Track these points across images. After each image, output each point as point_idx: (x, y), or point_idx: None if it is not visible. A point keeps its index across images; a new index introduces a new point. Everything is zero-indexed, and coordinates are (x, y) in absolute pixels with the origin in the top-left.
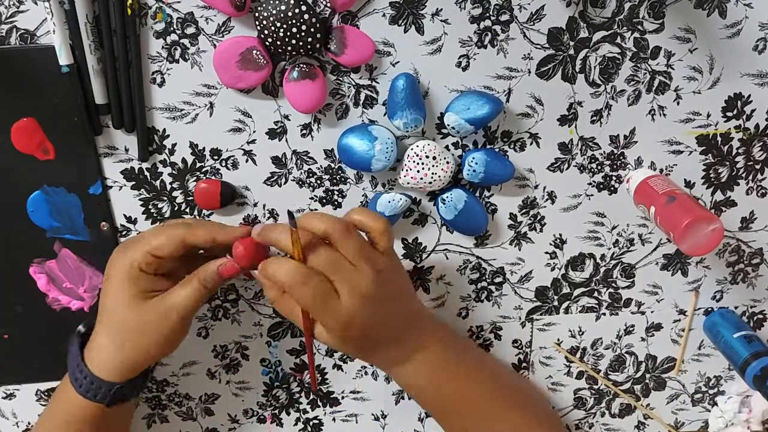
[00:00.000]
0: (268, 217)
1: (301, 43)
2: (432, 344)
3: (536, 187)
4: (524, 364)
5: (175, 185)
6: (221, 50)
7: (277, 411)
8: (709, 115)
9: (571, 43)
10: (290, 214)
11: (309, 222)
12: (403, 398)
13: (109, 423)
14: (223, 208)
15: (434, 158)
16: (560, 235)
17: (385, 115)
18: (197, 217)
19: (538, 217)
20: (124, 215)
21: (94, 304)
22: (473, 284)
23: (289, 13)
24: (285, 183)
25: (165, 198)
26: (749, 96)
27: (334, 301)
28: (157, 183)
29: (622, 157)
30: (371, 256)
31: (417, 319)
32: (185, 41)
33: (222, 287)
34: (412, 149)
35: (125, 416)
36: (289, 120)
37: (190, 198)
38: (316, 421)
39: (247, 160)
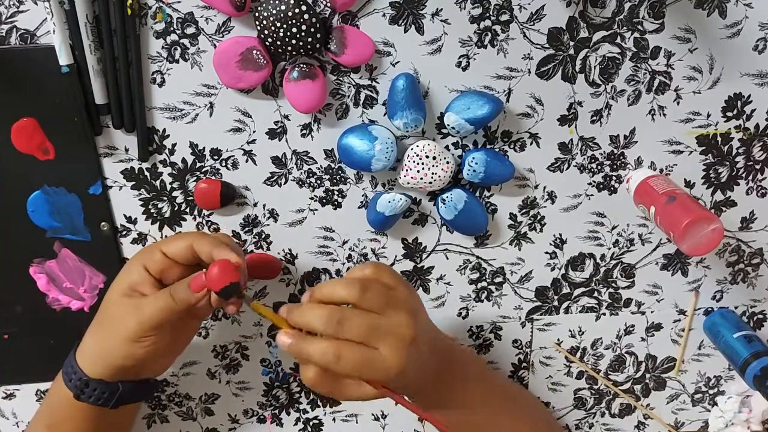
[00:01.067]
0: (268, 217)
1: (301, 43)
2: (463, 372)
3: (536, 187)
4: (524, 364)
5: (175, 185)
6: (221, 50)
7: (277, 411)
8: (709, 115)
9: (571, 43)
10: (230, 292)
11: (327, 293)
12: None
13: (93, 422)
14: (223, 208)
15: (434, 158)
16: (560, 235)
17: (385, 115)
18: (197, 217)
19: (538, 217)
20: (124, 215)
21: (94, 304)
22: (473, 284)
23: (289, 13)
24: (285, 183)
25: (165, 198)
26: (749, 96)
27: (377, 359)
28: (157, 183)
29: (622, 157)
30: (394, 300)
31: (443, 345)
32: (185, 41)
33: None
34: (412, 149)
35: (112, 424)
36: (289, 120)
37: (190, 198)
38: (316, 421)
39: (247, 160)
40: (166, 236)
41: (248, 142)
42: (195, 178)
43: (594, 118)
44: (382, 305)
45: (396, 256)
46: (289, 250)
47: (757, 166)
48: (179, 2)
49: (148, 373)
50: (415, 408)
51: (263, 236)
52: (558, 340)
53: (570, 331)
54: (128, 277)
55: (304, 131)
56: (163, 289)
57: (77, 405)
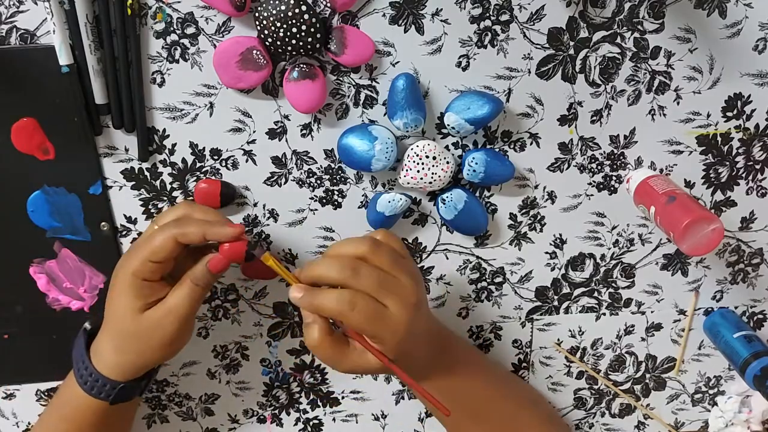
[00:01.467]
0: (268, 217)
1: (301, 43)
2: (461, 356)
3: (536, 187)
4: (524, 364)
5: (175, 185)
6: (221, 50)
7: (277, 411)
8: (709, 115)
9: (571, 43)
10: (251, 245)
11: (340, 250)
12: (403, 398)
13: (112, 420)
14: (223, 208)
15: (434, 158)
16: (560, 235)
17: (385, 115)
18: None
19: (538, 217)
20: (124, 215)
21: (94, 304)
22: (473, 284)
23: (289, 13)
24: (285, 183)
25: (165, 198)
26: (749, 96)
27: (386, 315)
28: (157, 183)
29: (622, 157)
30: (403, 264)
31: (442, 327)
32: (185, 41)
33: (222, 287)
34: (412, 149)
35: (127, 414)
36: (289, 120)
37: (190, 198)
38: (316, 421)
39: (247, 160)
40: (138, 234)
41: (248, 142)
42: (195, 178)
43: (594, 118)
44: (392, 265)
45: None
46: (289, 250)
47: (757, 166)
48: (179, 2)
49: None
50: (415, 384)
51: (263, 236)
52: (558, 340)
53: (570, 331)
54: (136, 294)
55: (304, 131)
56: (181, 284)
57: (100, 408)
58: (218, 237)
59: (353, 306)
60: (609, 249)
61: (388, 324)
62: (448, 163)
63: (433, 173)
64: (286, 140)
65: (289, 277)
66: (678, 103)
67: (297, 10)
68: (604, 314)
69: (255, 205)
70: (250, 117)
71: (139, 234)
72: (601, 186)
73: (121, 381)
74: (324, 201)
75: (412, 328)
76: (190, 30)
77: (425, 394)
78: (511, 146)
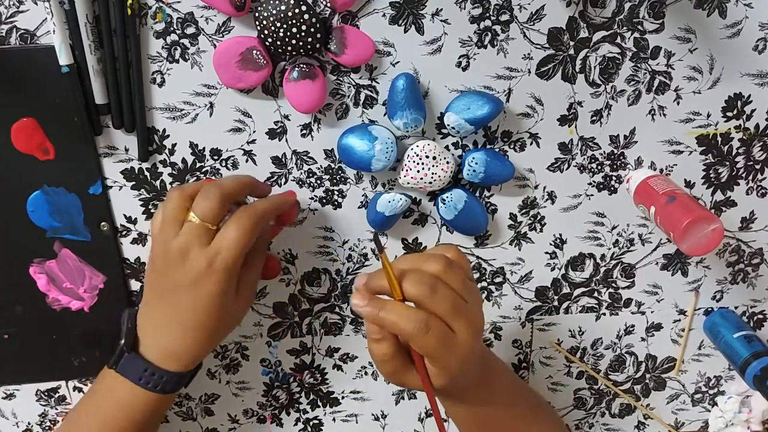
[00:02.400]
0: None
1: (301, 43)
2: (497, 382)
3: (536, 187)
4: (524, 364)
5: (175, 185)
6: (221, 50)
7: (277, 411)
8: (709, 115)
9: (571, 43)
10: (376, 238)
11: (415, 264)
12: (403, 398)
13: (165, 408)
14: None
15: (434, 158)
16: (560, 235)
17: (385, 115)
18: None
19: (538, 217)
20: (124, 215)
21: (94, 304)
22: None
23: (289, 13)
24: (285, 183)
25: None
26: (749, 96)
27: (455, 341)
28: (157, 183)
29: (622, 157)
30: (472, 288)
31: (485, 350)
32: (185, 41)
33: None
34: (412, 149)
35: (171, 400)
36: (289, 120)
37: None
38: (316, 421)
39: (247, 160)
40: (139, 234)
41: (248, 142)
42: (195, 178)
43: (594, 118)
44: (463, 288)
45: (396, 257)
46: (289, 250)
47: (757, 166)
48: (179, 2)
49: None
50: (439, 421)
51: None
52: (558, 340)
53: (570, 331)
54: (232, 281)
55: (304, 131)
56: (232, 221)
57: (158, 401)
58: (284, 207)
59: (428, 329)
60: (609, 249)
61: (455, 350)
62: (448, 163)
63: (433, 173)
64: (286, 140)
65: (393, 283)
66: (678, 103)
67: (297, 10)
68: (604, 314)
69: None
70: (250, 117)
71: (140, 234)
72: (601, 186)
73: (187, 369)
74: (324, 201)
75: (472, 355)
76: (190, 30)
77: (440, 424)
78: (511, 146)
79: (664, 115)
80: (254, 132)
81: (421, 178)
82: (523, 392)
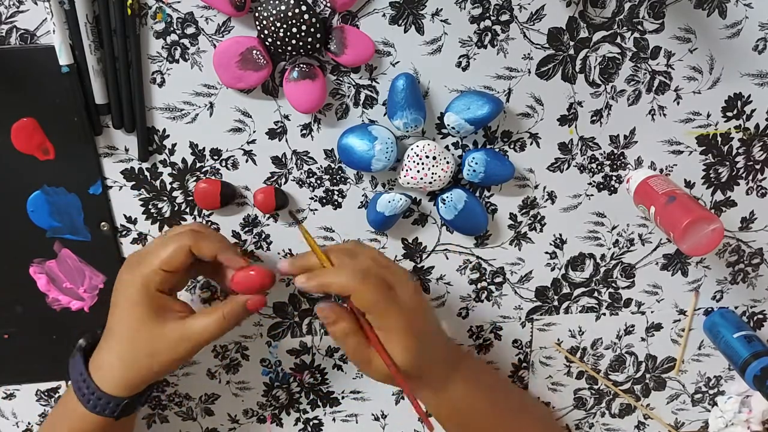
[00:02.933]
0: (269, 217)
1: (301, 43)
2: (464, 360)
3: (536, 187)
4: (524, 364)
5: (175, 185)
6: (221, 50)
7: (277, 411)
8: (709, 115)
9: (571, 43)
10: (291, 214)
11: (332, 248)
12: (402, 398)
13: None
14: (223, 208)
15: (434, 158)
16: (560, 235)
17: (385, 115)
18: (197, 217)
19: (538, 217)
20: (124, 215)
21: (94, 304)
22: (473, 284)
23: (289, 13)
24: (285, 183)
25: (165, 198)
26: (749, 96)
27: (393, 294)
28: (157, 183)
29: (622, 157)
30: (393, 261)
31: (446, 337)
32: (185, 41)
33: (222, 288)
34: (412, 149)
35: (129, 424)
36: (289, 120)
37: (190, 198)
38: (316, 421)
39: (247, 160)
40: (139, 234)
41: (248, 142)
42: (195, 178)
43: (594, 118)
44: (387, 262)
45: (396, 256)
46: (289, 250)
47: (757, 166)
48: (179, 2)
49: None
50: (412, 397)
51: (263, 236)
52: (558, 340)
53: (570, 331)
54: (150, 304)
55: (304, 131)
56: (211, 312)
57: (104, 423)
58: (231, 263)
59: (365, 276)
60: (609, 249)
61: (395, 301)
62: (448, 163)
63: (433, 173)
64: (286, 140)
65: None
66: (678, 103)
67: (297, 10)
68: (604, 314)
69: (255, 205)
70: (250, 117)
71: (140, 234)
72: (601, 186)
73: (126, 397)
74: (324, 201)
75: (420, 315)
76: (190, 30)
77: (419, 411)
78: (511, 146)
79: (664, 115)
80: (254, 132)
81: (421, 178)
82: (505, 390)
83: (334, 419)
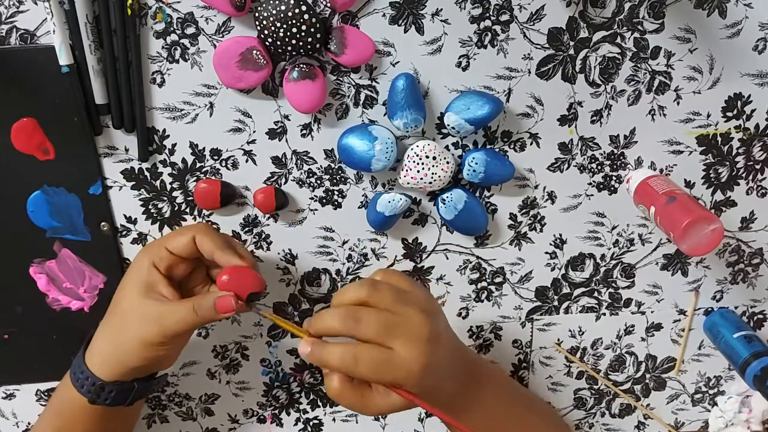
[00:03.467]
0: (269, 217)
1: (301, 43)
2: (488, 383)
3: (536, 187)
4: (524, 364)
5: (175, 185)
6: (221, 50)
7: (277, 411)
8: (709, 115)
9: (571, 43)
10: (250, 298)
11: (342, 298)
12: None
13: (102, 423)
14: (223, 208)
15: (434, 158)
16: (560, 235)
17: (385, 115)
18: (197, 218)
19: (538, 217)
20: (124, 215)
21: (94, 304)
22: (473, 284)
23: (289, 13)
24: (285, 183)
25: (165, 198)
26: (749, 96)
27: (394, 359)
28: (157, 183)
29: (622, 157)
30: (409, 299)
31: (468, 353)
32: (185, 41)
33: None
34: (412, 149)
35: (120, 421)
36: (289, 120)
37: (190, 198)
38: (316, 421)
39: (247, 160)
40: (139, 234)
41: (248, 142)
42: (195, 178)
43: (594, 118)
44: (394, 303)
45: (396, 256)
46: (289, 250)
47: (757, 166)
48: (179, 2)
49: (160, 369)
50: (441, 414)
51: (263, 236)
52: (558, 340)
53: (570, 331)
54: (141, 276)
55: (304, 131)
56: (186, 302)
57: (89, 407)
58: (224, 261)
59: (356, 360)
60: (609, 249)
61: (398, 367)
62: (448, 163)
63: (433, 173)
64: (286, 140)
65: (299, 331)
66: (678, 103)
67: (297, 10)
68: (604, 314)
69: (255, 205)
70: (250, 117)
71: (140, 234)
72: (601, 186)
73: (103, 378)
74: (324, 201)
75: (430, 363)
76: (190, 30)
77: (455, 423)
78: (511, 146)
79: (664, 115)
80: (254, 132)
81: (421, 178)
82: (523, 396)
83: (334, 419)
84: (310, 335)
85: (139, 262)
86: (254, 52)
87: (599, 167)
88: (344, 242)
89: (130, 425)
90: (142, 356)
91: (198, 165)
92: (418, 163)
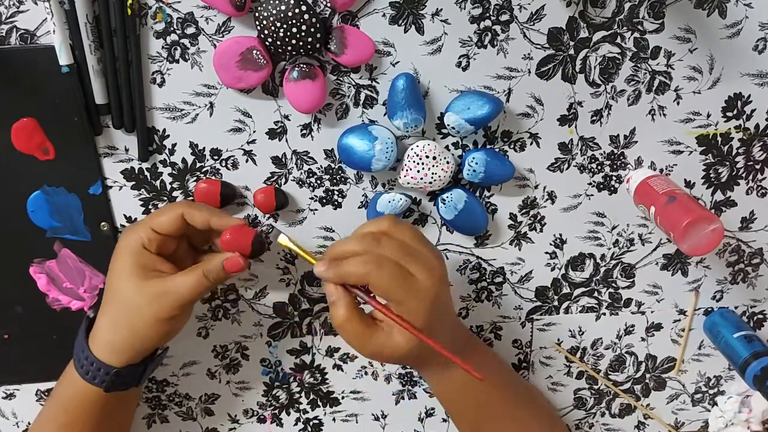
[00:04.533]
0: (269, 217)
1: (301, 43)
2: (474, 345)
3: (536, 187)
4: (524, 364)
5: (175, 185)
6: (221, 50)
7: (277, 411)
8: (709, 115)
9: (571, 43)
10: (266, 233)
11: (362, 229)
12: (403, 398)
13: (108, 411)
14: (223, 208)
15: (434, 158)
16: (560, 235)
17: (385, 115)
18: None
19: (538, 217)
20: (124, 215)
21: (94, 304)
22: (473, 284)
23: (289, 13)
24: (285, 183)
25: (165, 198)
26: (749, 96)
27: (412, 280)
28: (157, 183)
29: (622, 157)
30: (425, 241)
31: (458, 321)
32: (185, 41)
33: (222, 288)
34: (412, 149)
35: (126, 408)
36: (289, 120)
37: (190, 198)
38: (316, 421)
39: (247, 160)
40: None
41: (248, 142)
42: (195, 178)
43: (594, 118)
44: (413, 239)
45: None
46: (290, 250)
47: (757, 166)
48: (179, 2)
49: (167, 342)
50: (445, 350)
51: (264, 236)
52: (558, 340)
53: (570, 331)
54: (134, 260)
55: (304, 131)
56: (192, 270)
57: (97, 399)
58: (223, 224)
59: (380, 264)
60: (609, 249)
61: (414, 289)
62: (448, 163)
63: (433, 173)
64: (286, 140)
65: (310, 256)
66: (678, 103)
67: (297, 10)
68: (604, 314)
69: (255, 205)
70: (250, 117)
71: None
72: (601, 186)
73: (116, 365)
74: (324, 201)
75: (438, 302)
76: (190, 30)
77: (456, 360)
78: (511, 146)
79: (664, 115)
80: (254, 132)
81: (421, 178)
82: (514, 378)
83: (334, 419)
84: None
85: (126, 248)
86: (254, 52)
87: (599, 167)
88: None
89: (132, 411)
90: (158, 334)
91: (198, 165)
92: (418, 163)
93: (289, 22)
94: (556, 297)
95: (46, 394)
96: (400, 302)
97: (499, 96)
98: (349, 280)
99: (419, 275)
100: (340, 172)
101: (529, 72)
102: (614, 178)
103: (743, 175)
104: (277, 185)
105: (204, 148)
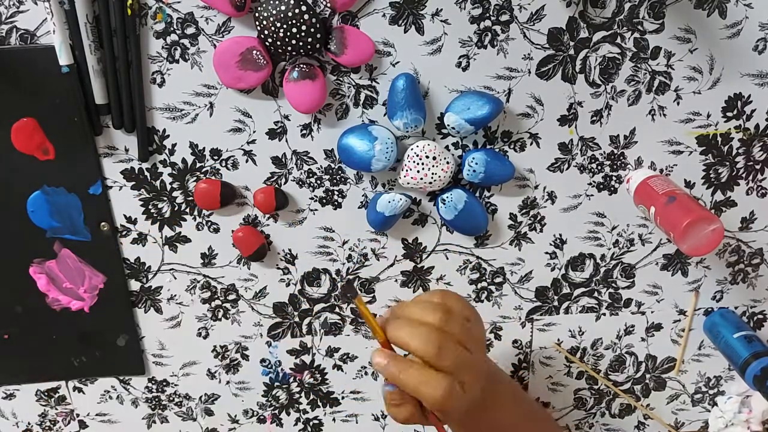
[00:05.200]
0: (269, 217)
1: (301, 43)
2: (507, 388)
3: (536, 187)
4: (524, 364)
5: (175, 185)
6: (221, 50)
7: (277, 411)
8: (709, 115)
9: (571, 43)
10: (348, 284)
11: (415, 314)
12: None
13: None
14: (223, 208)
15: (434, 158)
16: (560, 235)
17: (385, 115)
18: (197, 218)
19: (538, 217)
20: (124, 215)
21: (94, 304)
22: (473, 284)
23: (289, 13)
24: (285, 183)
25: (165, 198)
26: (749, 96)
27: (462, 395)
28: (157, 183)
29: (622, 157)
30: (474, 331)
31: (491, 364)
32: (185, 41)
33: (222, 288)
34: (412, 149)
35: None
36: (289, 120)
37: (190, 198)
38: (316, 421)
39: (247, 160)
40: (139, 234)
41: (248, 142)
42: (195, 178)
43: (594, 118)
44: (463, 335)
45: (396, 256)
46: (289, 250)
47: (757, 166)
48: (179, 2)
49: None
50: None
51: (265, 236)
52: (558, 340)
53: (570, 331)
54: None
55: (304, 131)
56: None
57: None
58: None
59: (451, 394)
60: (609, 249)
61: (463, 403)
62: (448, 163)
63: (433, 173)
64: (286, 140)
65: (377, 329)
66: (678, 103)
67: (297, 10)
68: (604, 314)
69: (255, 205)
70: (250, 117)
71: (140, 234)
72: (601, 186)
73: None
74: (324, 201)
75: (476, 396)
76: (190, 30)
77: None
78: (511, 146)
79: (664, 115)
80: (254, 132)
81: (421, 178)
82: (528, 404)
83: (334, 419)
84: (385, 339)
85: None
86: (254, 52)
87: (599, 167)
88: (344, 242)
89: None
90: None
91: (198, 165)
92: (418, 163)
93: (289, 23)
94: (556, 297)
95: (46, 394)
96: (448, 414)
97: (499, 96)
98: (409, 390)
99: (469, 387)
100: (340, 172)
101: (529, 72)
102: (614, 178)
103: (743, 175)
104: (277, 185)
105: (204, 148)
